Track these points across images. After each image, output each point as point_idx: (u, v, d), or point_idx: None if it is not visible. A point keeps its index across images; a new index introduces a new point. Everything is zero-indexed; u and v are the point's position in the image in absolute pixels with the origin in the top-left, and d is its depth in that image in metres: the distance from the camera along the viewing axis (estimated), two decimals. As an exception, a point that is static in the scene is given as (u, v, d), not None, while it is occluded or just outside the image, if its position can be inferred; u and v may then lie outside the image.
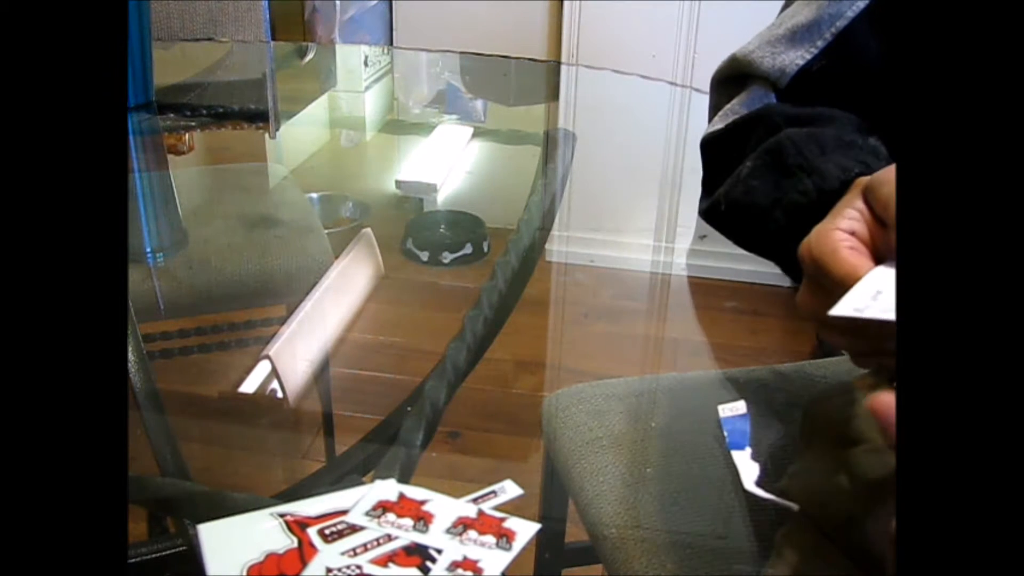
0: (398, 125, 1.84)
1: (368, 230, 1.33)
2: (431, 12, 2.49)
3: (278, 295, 1.15)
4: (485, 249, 1.86)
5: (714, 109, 0.65)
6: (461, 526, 0.53)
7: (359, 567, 0.49)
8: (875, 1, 0.56)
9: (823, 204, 0.46)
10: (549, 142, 1.52)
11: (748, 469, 0.65)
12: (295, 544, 0.51)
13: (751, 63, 0.60)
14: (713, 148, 0.62)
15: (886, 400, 0.35)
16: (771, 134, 0.55)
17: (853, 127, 0.53)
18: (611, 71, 1.72)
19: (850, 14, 0.57)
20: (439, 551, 0.51)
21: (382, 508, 0.54)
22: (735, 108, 0.60)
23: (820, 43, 0.58)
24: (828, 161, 0.49)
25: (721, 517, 0.64)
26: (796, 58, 0.58)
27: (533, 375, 1.64)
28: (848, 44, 0.57)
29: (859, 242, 0.42)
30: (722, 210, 0.56)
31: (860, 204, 0.43)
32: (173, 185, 1.31)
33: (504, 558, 0.51)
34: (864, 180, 0.44)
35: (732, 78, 0.63)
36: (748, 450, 0.67)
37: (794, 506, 0.53)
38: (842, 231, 0.42)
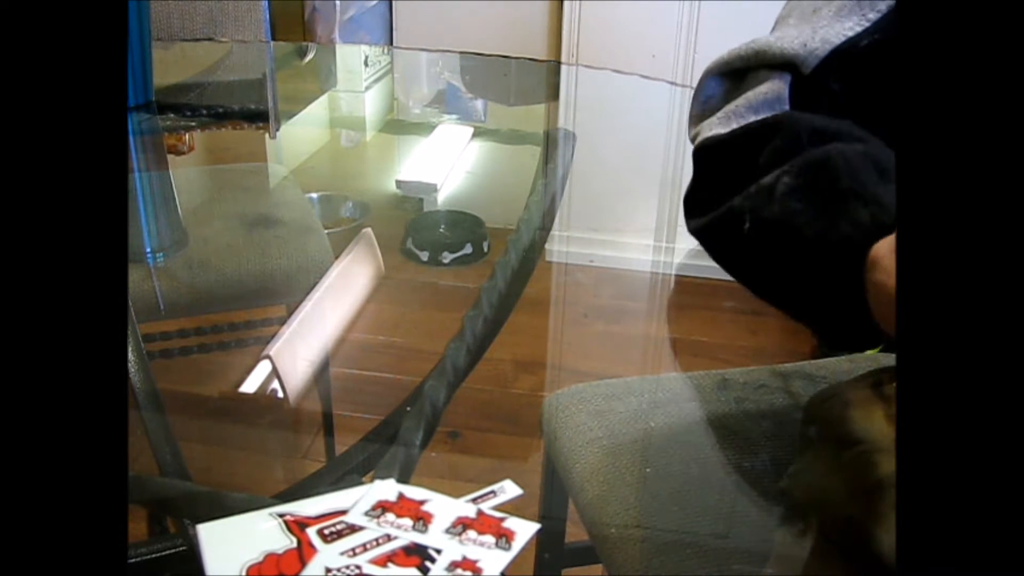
0: (398, 125, 1.84)
1: (368, 230, 1.33)
2: (431, 12, 2.49)
3: (278, 295, 1.15)
4: (485, 249, 1.86)
5: (705, 105, 0.56)
6: (460, 526, 0.53)
7: (358, 567, 0.49)
8: None
9: (874, 237, 0.39)
10: (549, 142, 1.52)
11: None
12: (294, 544, 0.51)
13: (772, 43, 0.51)
14: (712, 155, 0.53)
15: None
16: (793, 147, 0.46)
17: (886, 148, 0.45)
18: (611, 71, 1.72)
19: None
20: (438, 551, 0.51)
21: (381, 508, 0.54)
22: (740, 111, 0.52)
23: (872, 15, 0.48)
24: (889, 190, 0.41)
25: (721, 517, 0.64)
26: (843, 30, 0.49)
27: (533, 375, 1.64)
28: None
29: None
30: (745, 229, 0.47)
31: None
32: (173, 185, 1.31)
33: (504, 558, 0.51)
34: None
35: (739, 70, 0.55)
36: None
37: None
38: None
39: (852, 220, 0.40)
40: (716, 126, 0.53)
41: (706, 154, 0.54)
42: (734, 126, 0.52)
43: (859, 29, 0.49)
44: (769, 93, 0.51)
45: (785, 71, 0.51)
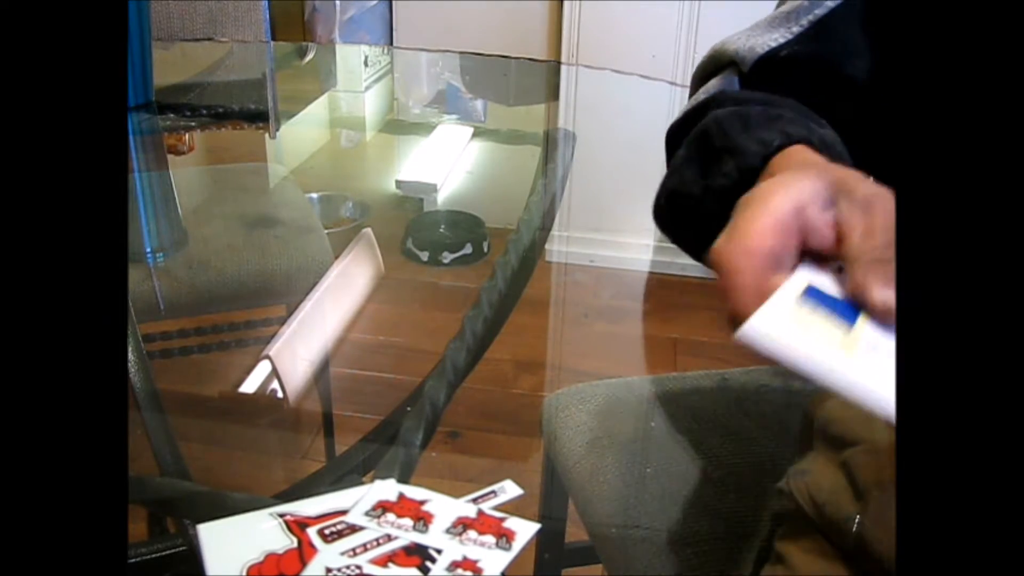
0: (398, 125, 1.84)
1: (368, 230, 1.33)
2: (431, 12, 2.49)
3: (278, 295, 1.15)
4: (485, 249, 1.86)
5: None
6: (461, 526, 0.53)
7: (359, 567, 0.49)
8: None
9: (746, 184, 0.44)
10: (549, 142, 1.52)
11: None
12: (295, 544, 0.51)
13: (724, 46, 0.58)
14: (669, 142, 0.59)
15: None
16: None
17: (802, 115, 0.49)
18: (611, 71, 1.72)
19: (830, 3, 0.55)
20: (439, 551, 0.51)
21: (382, 508, 0.54)
22: (697, 97, 0.57)
23: (795, 29, 0.55)
24: (749, 138, 0.47)
25: (721, 517, 0.64)
26: (768, 40, 0.56)
27: (533, 375, 1.64)
28: (824, 34, 0.55)
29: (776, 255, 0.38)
30: (662, 204, 0.53)
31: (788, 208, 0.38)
32: (173, 185, 1.31)
33: (504, 558, 0.51)
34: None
35: (710, 72, 0.61)
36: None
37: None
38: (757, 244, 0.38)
39: (723, 172, 0.47)
40: (678, 116, 0.58)
41: (666, 143, 0.59)
42: (687, 110, 0.57)
43: (782, 40, 0.55)
44: (722, 82, 0.57)
45: (734, 70, 0.58)
